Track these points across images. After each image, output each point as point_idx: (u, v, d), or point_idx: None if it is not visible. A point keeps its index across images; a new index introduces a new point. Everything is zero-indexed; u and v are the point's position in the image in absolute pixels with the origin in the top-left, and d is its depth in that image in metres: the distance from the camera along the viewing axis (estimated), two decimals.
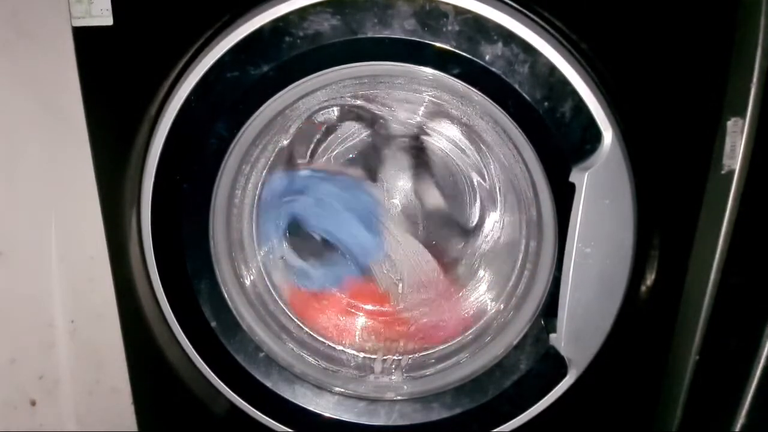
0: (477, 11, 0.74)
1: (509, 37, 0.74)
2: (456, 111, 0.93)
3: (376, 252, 1.03)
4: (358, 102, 0.96)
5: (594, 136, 0.76)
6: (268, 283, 1.03)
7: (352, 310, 1.07)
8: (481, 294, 1.04)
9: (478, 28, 0.74)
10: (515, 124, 0.79)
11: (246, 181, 0.95)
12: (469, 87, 0.78)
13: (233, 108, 0.80)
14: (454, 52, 0.75)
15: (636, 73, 0.78)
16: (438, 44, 0.75)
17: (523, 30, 0.74)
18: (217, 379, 0.94)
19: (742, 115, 0.73)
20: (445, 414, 0.94)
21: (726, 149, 0.75)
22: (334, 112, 0.98)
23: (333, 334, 1.04)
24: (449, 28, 0.74)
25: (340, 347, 1.03)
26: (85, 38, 0.80)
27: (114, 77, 0.83)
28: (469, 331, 1.00)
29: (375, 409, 0.96)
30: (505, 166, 0.95)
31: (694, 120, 0.78)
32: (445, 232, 1.06)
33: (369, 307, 1.07)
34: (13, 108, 0.85)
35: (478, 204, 1.04)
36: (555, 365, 0.87)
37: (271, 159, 0.97)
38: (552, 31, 0.77)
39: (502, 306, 0.98)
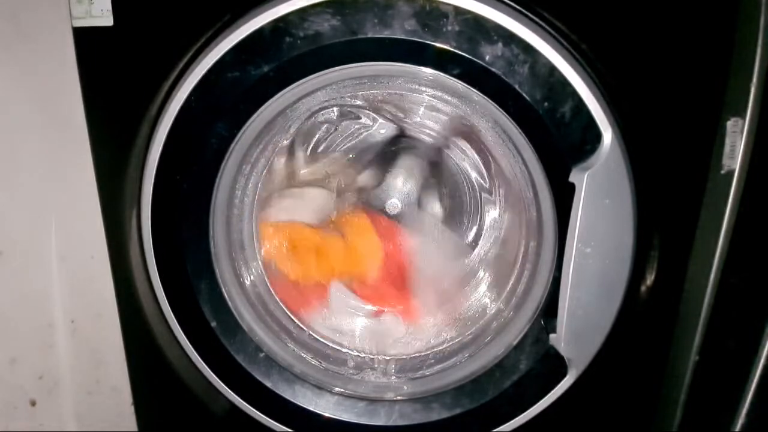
0: (477, 11, 0.74)
1: (509, 37, 0.74)
2: (456, 111, 0.93)
3: None
4: (358, 102, 0.96)
5: (594, 136, 0.76)
6: (268, 283, 1.03)
7: (352, 311, 1.07)
8: (481, 294, 1.04)
9: (478, 28, 0.74)
10: (515, 124, 0.79)
11: (246, 181, 0.95)
12: (469, 87, 0.78)
13: (233, 108, 0.80)
14: (455, 52, 0.75)
15: (636, 73, 0.78)
16: (438, 44, 0.75)
17: (523, 30, 0.74)
18: (217, 379, 0.94)
19: (742, 115, 0.73)
20: (445, 414, 0.94)
21: (726, 149, 0.75)
22: (334, 112, 0.98)
23: (332, 334, 1.04)
24: (449, 28, 0.74)
25: (339, 347, 1.03)
26: (85, 39, 0.80)
27: (114, 77, 0.82)
28: (469, 331, 1.00)
29: (375, 409, 0.96)
30: (505, 166, 0.95)
31: (694, 120, 0.78)
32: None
33: (369, 307, 1.07)
34: (13, 108, 0.85)
35: (478, 204, 1.04)
36: (555, 365, 0.87)
37: (272, 159, 0.97)
38: (552, 31, 0.77)
39: (502, 306, 0.98)
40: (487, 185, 1.02)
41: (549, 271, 0.86)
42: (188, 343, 0.92)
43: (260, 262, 1.02)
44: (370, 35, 0.76)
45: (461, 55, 0.75)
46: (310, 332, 1.02)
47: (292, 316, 1.03)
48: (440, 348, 1.01)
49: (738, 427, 0.79)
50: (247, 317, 0.95)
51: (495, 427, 0.93)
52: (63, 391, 0.97)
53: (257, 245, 1.01)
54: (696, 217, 0.81)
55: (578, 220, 0.77)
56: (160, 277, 0.89)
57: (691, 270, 0.83)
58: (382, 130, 0.99)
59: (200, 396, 0.99)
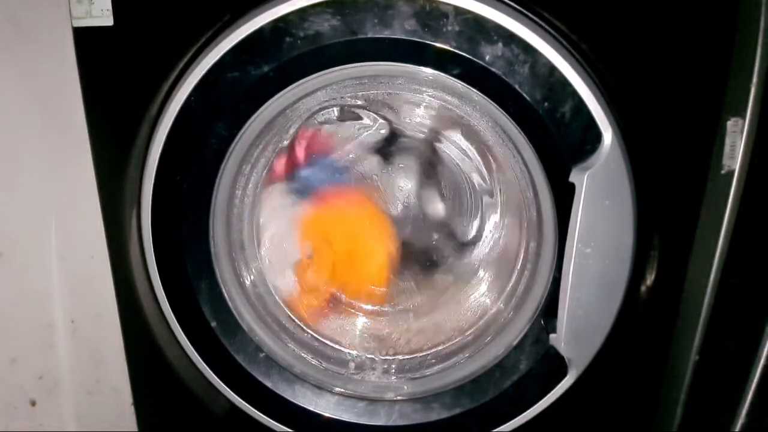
0: (477, 11, 0.74)
1: (509, 37, 0.74)
2: (456, 111, 0.93)
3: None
4: (358, 102, 0.96)
5: (594, 136, 0.76)
6: (268, 283, 1.03)
7: (352, 311, 1.07)
8: (481, 294, 1.04)
9: (478, 28, 0.74)
10: (515, 124, 0.79)
11: (246, 181, 0.95)
12: (469, 87, 0.78)
13: (233, 108, 0.80)
14: (455, 52, 0.75)
15: (636, 73, 0.78)
16: (438, 44, 0.75)
17: (523, 30, 0.74)
18: (217, 379, 0.94)
19: (742, 115, 0.73)
20: (444, 414, 0.94)
21: (726, 149, 0.75)
22: (334, 112, 0.98)
23: (333, 334, 1.04)
24: (449, 28, 0.74)
25: (340, 347, 1.03)
26: (85, 39, 0.80)
27: (114, 77, 0.83)
28: (469, 331, 1.00)
29: (375, 409, 0.96)
30: (505, 167, 0.95)
31: (694, 120, 0.78)
32: (445, 232, 1.06)
33: (369, 307, 1.07)
34: (13, 108, 0.85)
35: (478, 204, 1.04)
36: (555, 365, 0.87)
37: (272, 159, 0.97)
38: (552, 31, 0.77)
39: (502, 306, 0.98)
40: (487, 185, 1.02)
41: (549, 271, 0.86)
42: (188, 343, 0.92)
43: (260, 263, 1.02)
44: (370, 35, 0.76)
45: (461, 55, 0.75)
46: (310, 332, 1.02)
47: (292, 316, 1.03)
48: (440, 348, 1.01)
49: (738, 427, 0.79)
50: (247, 317, 0.95)
51: (495, 427, 0.93)
52: (63, 391, 0.97)
53: (257, 245, 1.01)
54: (696, 217, 0.81)
55: (578, 221, 0.77)
56: (160, 277, 0.89)
57: (691, 270, 0.83)
58: (382, 130, 0.99)
59: (200, 396, 0.99)
